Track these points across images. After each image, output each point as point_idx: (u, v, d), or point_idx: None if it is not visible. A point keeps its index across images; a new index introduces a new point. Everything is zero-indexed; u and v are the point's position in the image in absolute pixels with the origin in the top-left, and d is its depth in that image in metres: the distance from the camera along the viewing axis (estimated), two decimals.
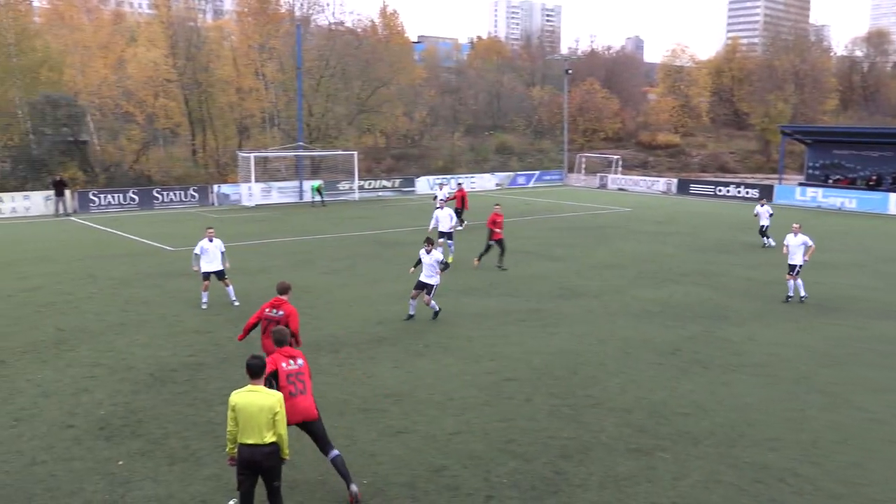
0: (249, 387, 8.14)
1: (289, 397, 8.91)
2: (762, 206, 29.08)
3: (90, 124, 50.17)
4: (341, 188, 49.23)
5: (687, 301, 19.78)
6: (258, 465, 8.02)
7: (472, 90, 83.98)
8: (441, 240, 24.60)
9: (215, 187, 45.34)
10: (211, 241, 18.74)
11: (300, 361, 9.14)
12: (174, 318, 17.79)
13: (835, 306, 19.45)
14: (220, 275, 18.88)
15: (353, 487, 9.29)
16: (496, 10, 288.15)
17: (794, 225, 19.82)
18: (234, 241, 30.24)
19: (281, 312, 11.30)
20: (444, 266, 17.28)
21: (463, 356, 14.90)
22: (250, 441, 7.98)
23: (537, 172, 61.83)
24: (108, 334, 16.48)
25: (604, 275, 23.03)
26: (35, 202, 40.39)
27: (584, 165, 65.19)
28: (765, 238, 28.82)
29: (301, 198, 47.12)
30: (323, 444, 9.30)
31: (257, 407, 7.97)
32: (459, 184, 34.76)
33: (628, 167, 72.29)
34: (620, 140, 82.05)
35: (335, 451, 9.32)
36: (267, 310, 11.43)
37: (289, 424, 8.79)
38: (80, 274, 23.13)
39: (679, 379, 13.72)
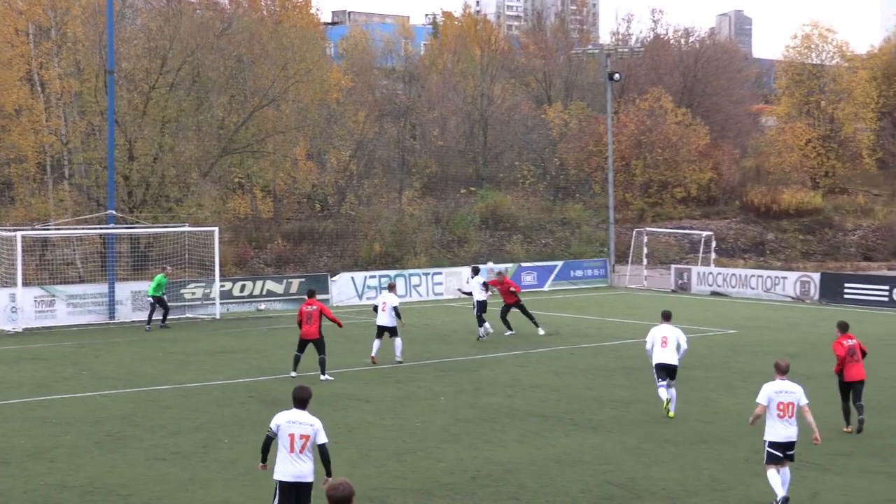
0: None
1: None
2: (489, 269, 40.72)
3: None
4: (188, 296, 49.03)
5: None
6: None
7: (437, 111, 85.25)
8: None
9: None
10: None
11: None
12: None
13: None
14: None
15: None
16: None
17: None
18: None
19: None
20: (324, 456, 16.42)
21: None
22: None
23: (559, 264, 62.34)
24: None
25: (703, 456, 23.03)
26: None
27: (646, 250, 65.69)
28: (482, 324, 40.93)
29: (112, 315, 46.83)
30: None
31: None
32: None
33: (728, 252, 73.08)
34: (713, 202, 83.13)
35: None
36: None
37: None
38: None
39: None
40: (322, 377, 32.39)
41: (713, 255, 66.16)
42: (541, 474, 21.83)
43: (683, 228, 73.66)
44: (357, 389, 30.99)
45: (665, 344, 26.10)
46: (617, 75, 66.84)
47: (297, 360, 32.79)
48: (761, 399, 19.70)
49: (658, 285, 61.49)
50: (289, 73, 64.03)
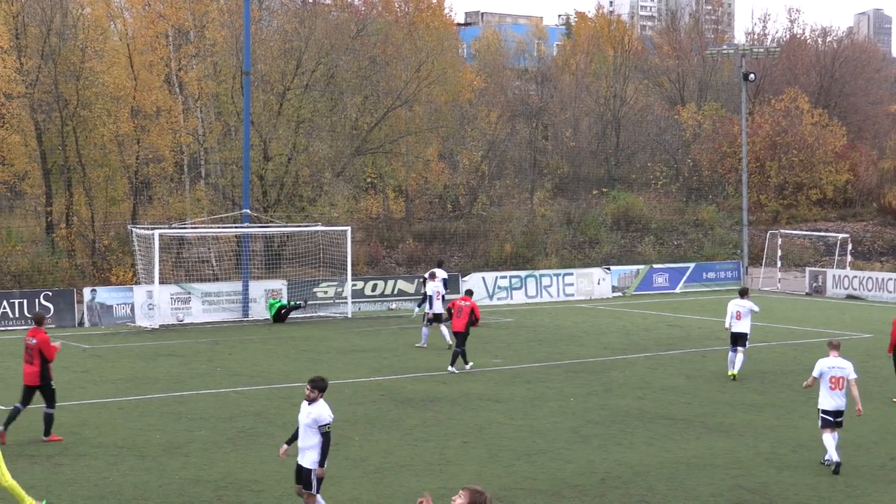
0: None
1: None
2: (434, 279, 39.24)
3: None
4: (321, 294, 49.43)
5: None
6: None
7: (569, 112, 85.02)
8: None
9: (87, 293, 45.83)
10: None
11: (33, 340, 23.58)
12: None
13: None
14: None
15: None
16: None
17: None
18: (119, 393, 30.40)
19: (34, 340, 23.60)
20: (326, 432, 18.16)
21: None
22: None
23: (691, 266, 61.71)
24: None
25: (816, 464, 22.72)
26: None
27: (780, 252, 64.78)
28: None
29: (246, 312, 47.42)
30: None
31: None
32: None
33: (864, 255, 71.81)
34: (849, 204, 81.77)
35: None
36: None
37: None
38: None
39: None
40: (449, 368, 33.06)
41: (849, 258, 65.03)
42: (670, 477, 21.69)
43: (819, 231, 72.51)
44: (487, 389, 31.00)
45: (740, 317, 31.85)
46: (752, 75, 65.95)
47: (462, 354, 33.71)
48: (815, 372, 22.37)
49: (792, 288, 60.57)
50: (422, 74, 64.19)
